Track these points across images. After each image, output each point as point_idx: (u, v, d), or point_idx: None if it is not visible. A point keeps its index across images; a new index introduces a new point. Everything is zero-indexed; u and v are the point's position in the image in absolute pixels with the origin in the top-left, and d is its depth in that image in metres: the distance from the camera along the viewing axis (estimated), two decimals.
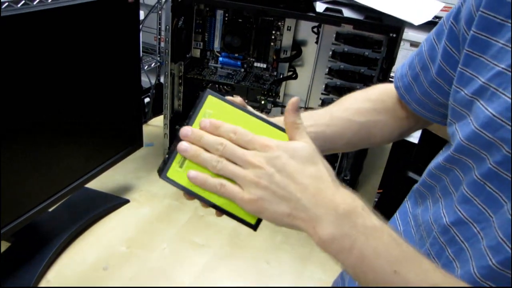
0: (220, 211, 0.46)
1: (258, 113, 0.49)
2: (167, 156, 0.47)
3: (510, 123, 0.38)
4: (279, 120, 0.48)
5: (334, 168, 1.20)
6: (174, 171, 0.46)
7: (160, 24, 2.04)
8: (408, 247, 0.40)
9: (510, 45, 0.40)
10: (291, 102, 0.45)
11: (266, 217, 0.43)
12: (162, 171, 0.47)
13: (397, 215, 0.63)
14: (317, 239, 0.41)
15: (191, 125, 0.46)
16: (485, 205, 0.41)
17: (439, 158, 0.51)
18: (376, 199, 1.24)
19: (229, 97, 0.48)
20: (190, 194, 0.46)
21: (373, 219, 0.41)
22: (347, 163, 1.20)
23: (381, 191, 1.26)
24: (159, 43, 2.11)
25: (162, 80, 2.05)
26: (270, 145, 0.42)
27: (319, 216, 0.40)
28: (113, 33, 0.93)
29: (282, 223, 0.43)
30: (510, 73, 0.39)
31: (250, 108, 0.49)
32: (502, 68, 0.40)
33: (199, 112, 0.46)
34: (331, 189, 0.42)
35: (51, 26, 0.77)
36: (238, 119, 0.46)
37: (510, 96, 0.39)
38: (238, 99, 0.49)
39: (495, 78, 0.41)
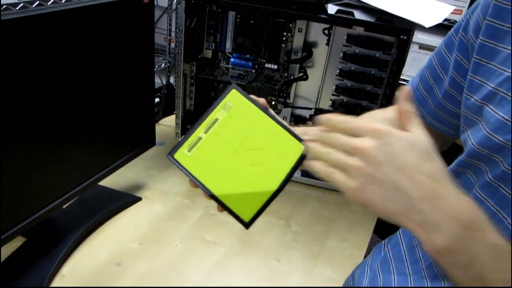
0: (218, 203, 0.46)
1: (279, 118, 0.49)
2: (180, 139, 0.49)
3: None
4: (299, 130, 0.48)
5: None
6: (181, 154, 0.47)
7: (170, 25, 2.06)
8: None
9: None
10: (405, 90, 0.42)
11: (376, 212, 0.40)
12: (171, 152, 0.48)
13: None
14: (430, 246, 0.38)
15: (210, 112, 0.48)
16: (498, 207, 0.41)
17: (452, 164, 0.52)
18: None
19: (253, 96, 0.49)
20: (192, 179, 0.47)
21: (496, 236, 0.37)
22: None
23: None
24: (169, 44, 2.12)
25: (171, 80, 2.08)
26: (383, 130, 0.39)
27: (436, 222, 0.37)
28: (128, 33, 0.94)
29: (393, 220, 0.39)
30: None
31: (271, 112, 0.50)
32: (511, 73, 0.41)
33: (220, 103, 0.48)
34: (451, 193, 0.38)
35: (68, 26, 0.78)
36: (256, 118, 0.47)
37: None
38: (261, 100, 0.50)
39: (504, 83, 0.42)
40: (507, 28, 0.43)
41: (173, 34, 2.09)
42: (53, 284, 0.85)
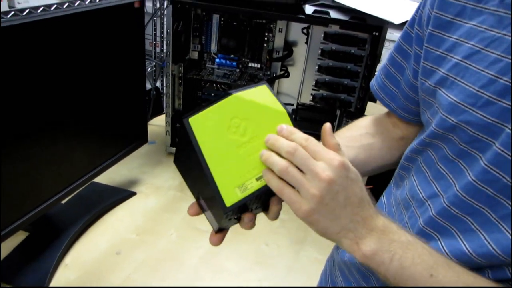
0: (206, 172, 0.45)
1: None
2: (200, 106, 0.47)
3: (473, 109, 0.44)
4: None
5: None
6: (196, 120, 0.46)
7: (155, 30, 2.12)
8: (439, 255, 0.45)
9: (464, 39, 0.47)
10: (327, 126, 0.47)
11: (315, 229, 0.44)
12: (187, 115, 0.46)
13: (383, 197, 0.70)
14: (360, 254, 0.44)
15: (234, 93, 0.47)
16: (454, 179, 0.47)
17: (413, 143, 0.57)
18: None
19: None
20: (194, 146, 0.45)
21: (407, 235, 0.45)
22: None
23: (371, 186, 1.34)
24: (155, 48, 2.18)
25: (158, 84, 2.13)
26: (338, 161, 0.43)
27: (363, 235, 0.44)
28: (121, 37, 1.01)
29: (327, 237, 0.45)
30: (465, 64, 0.46)
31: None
32: (458, 59, 0.47)
33: (247, 90, 0.48)
34: (376, 214, 0.46)
35: (65, 31, 0.85)
36: (276, 115, 0.47)
37: (467, 84, 0.45)
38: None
39: (453, 69, 0.47)
40: (450, 19, 0.49)
41: (158, 39, 2.15)
42: (58, 272, 0.91)
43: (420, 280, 0.44)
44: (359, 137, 0.63)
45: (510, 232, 0.41)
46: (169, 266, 0.96)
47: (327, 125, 0.47)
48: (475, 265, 0.44)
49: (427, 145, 0.53)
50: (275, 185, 0.44)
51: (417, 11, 0.56)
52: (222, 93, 1.36)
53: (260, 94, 0.48)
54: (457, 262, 0.45)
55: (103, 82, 1.00)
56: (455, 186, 0.47)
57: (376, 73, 0.65)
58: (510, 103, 0.41)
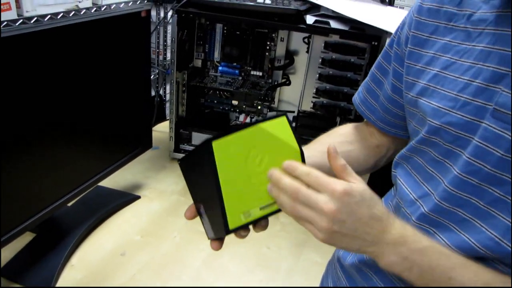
0: (218, 193, 0.48)
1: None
2: (226, 131, 0.50)
3: (453, 111, 0.50)
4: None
5: None
6: (219, 144, 0.49)
7: (158, 38, 2.17)
8: (457, 256, 0.49)
9: (440, 53, 0.53)
10: (331, 149, 0.51)
11: (338, 247, 0.51)
12: (211, 138, 0.49)
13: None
14: (383, 264, 0.50)
15: (256, 124, 0.51)
16: (443, 177, 0.52)
17: (402, 150, 0.62)
18: None
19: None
20: (212, 167, 0.48)
21: (423, 241, 0.50)
22: None
23: None
24: (158, 56, 2.23)
25: (161, 91, 2.17)
26: (339, 190, 0.47)
27: (380, 250, 0.49)
28: (127, 44, 1.04)
29: (352, 251, 0.52)
30: (443, 74, 0.52)
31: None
32: (437, 71, 0.53)
33: (269, 122, 0.52)
34: (389, 226, 0.50)
35: (74, 39, 0.88)
36: (290, 150, 0.52)
37: (447, 90, 0.51)
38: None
39: (432, 80, 0.54)
40: (426, 37, 0.56)
41: (161, 47, 2.19)
42: (64, 272, 0.93)
43: (440, 283, 0.48)
44: (339, 144, 0.66)
45: (500, 215, 0.46)
46: (173, 268, 0.98)
47: (331, 148, 0.51)
48: (481, 255, 0.48)
49: (414, 151, 0.58)
50: (292, 211, 0.48)
51: (395, 33, 0.64)
52: (224, 99, 1.40)
53: (279, 127, 0.52)
54: (467, 257, 0.49)
55: (109, 89, 1.03)
56: (444, 183, 0.51)
57: (358, 89, 0.71)
58: (483, 102, 0.47)
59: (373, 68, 0.67)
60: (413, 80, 0.57)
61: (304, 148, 0.64)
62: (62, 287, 0.90)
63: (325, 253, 1.07)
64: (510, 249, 0.46)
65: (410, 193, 0.58)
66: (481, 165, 0.47)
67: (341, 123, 1.24)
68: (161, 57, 2.21)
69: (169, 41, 2.09)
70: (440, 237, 0.53)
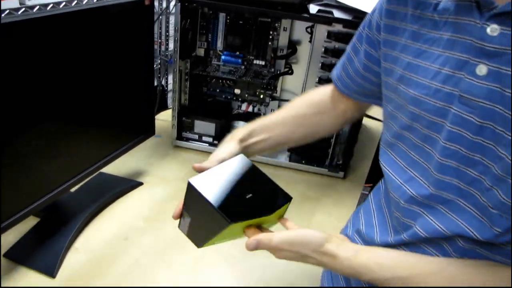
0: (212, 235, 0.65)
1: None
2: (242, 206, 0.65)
3: (427, 98, 0.53)
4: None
5: (327, 154, 1.33)
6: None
7: (160, 28, 2.17)
8: (396, 253, 0.58)
9: (411, 41, 0.57)
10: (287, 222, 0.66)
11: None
12: (233, 219, 0.61)
13: (371, 195, 0.78)
14: (327, 259, 0.59)
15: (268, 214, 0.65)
16: (426, 161, 0.56)
17: (386, 135, 0.66)
18: (366, 192, 1.36)
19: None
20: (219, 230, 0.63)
21: (361, 245, 0.63)
22: (340, 149, 1.33)
23: (370, 185, 1.38)
24: (160, 47, 2.24)
25: (163, 81, 2.18)
26: (276, 247, 0.61)
27: (323, 252, 0.59)
28: (131, 33, 1.05)
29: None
30: (416, 62, 0.56)
31: None
32: (410, 59, 0.57)
33: (280, 210, 0.67)
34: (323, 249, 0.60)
35: (78, 27, 0.89)
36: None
37: (420, 78, 0.54)
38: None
39: (407, 67, 0.57)
40: (398, 25, 0.60)
41: (163, 37, 2.20)
42: (68, 255, 0.94)
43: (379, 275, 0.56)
44: (311, 115, 0.80)
45: (478, 194, 0.50)
46: (176, 251, 0.99)
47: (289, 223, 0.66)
48: (469, 236, 0.51)
49: (397, 136, 0.62)
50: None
51: (368, 16, 0.69)
52: (227, 88, 1.41)
53: (284, 209, 0.67)
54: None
55: (113, 77, 1.04)
56: (430, 169, 0.55)
57: (336, 65, 0.80)
58: (451, 88, 0.51)
59: (348, 47, 0.75)
60: (391, 66, 0.61)
61: (276, 116, 0.81)
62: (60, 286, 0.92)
63: None
64: (490, 227, 0.48)
65: (396, 178, 0.61)
66: (457, 148, 0.51)
67: None
68: (163, 48, 2.22)
69: (171, 31, 2.11)
70: (430, 218, 0.55)
